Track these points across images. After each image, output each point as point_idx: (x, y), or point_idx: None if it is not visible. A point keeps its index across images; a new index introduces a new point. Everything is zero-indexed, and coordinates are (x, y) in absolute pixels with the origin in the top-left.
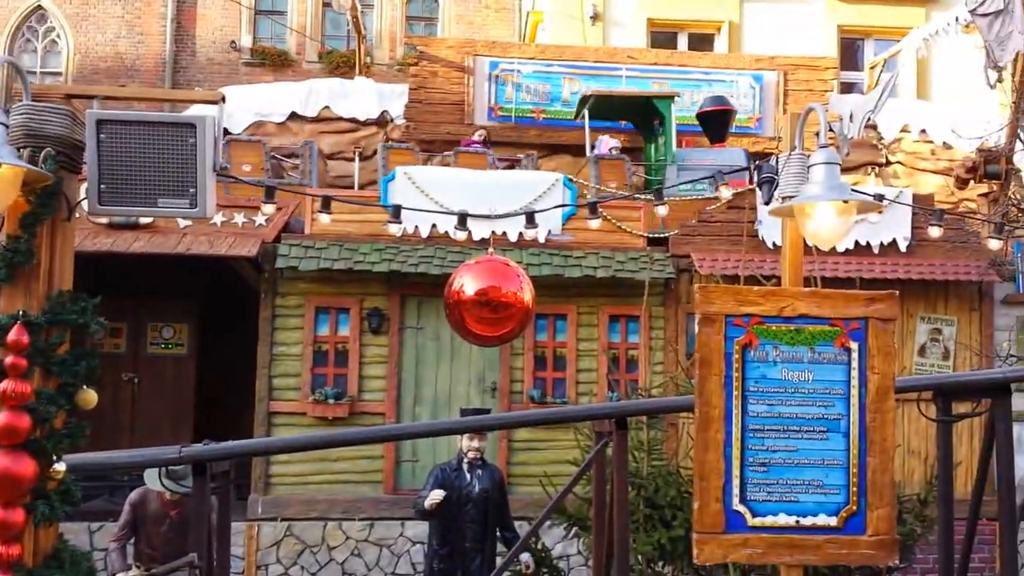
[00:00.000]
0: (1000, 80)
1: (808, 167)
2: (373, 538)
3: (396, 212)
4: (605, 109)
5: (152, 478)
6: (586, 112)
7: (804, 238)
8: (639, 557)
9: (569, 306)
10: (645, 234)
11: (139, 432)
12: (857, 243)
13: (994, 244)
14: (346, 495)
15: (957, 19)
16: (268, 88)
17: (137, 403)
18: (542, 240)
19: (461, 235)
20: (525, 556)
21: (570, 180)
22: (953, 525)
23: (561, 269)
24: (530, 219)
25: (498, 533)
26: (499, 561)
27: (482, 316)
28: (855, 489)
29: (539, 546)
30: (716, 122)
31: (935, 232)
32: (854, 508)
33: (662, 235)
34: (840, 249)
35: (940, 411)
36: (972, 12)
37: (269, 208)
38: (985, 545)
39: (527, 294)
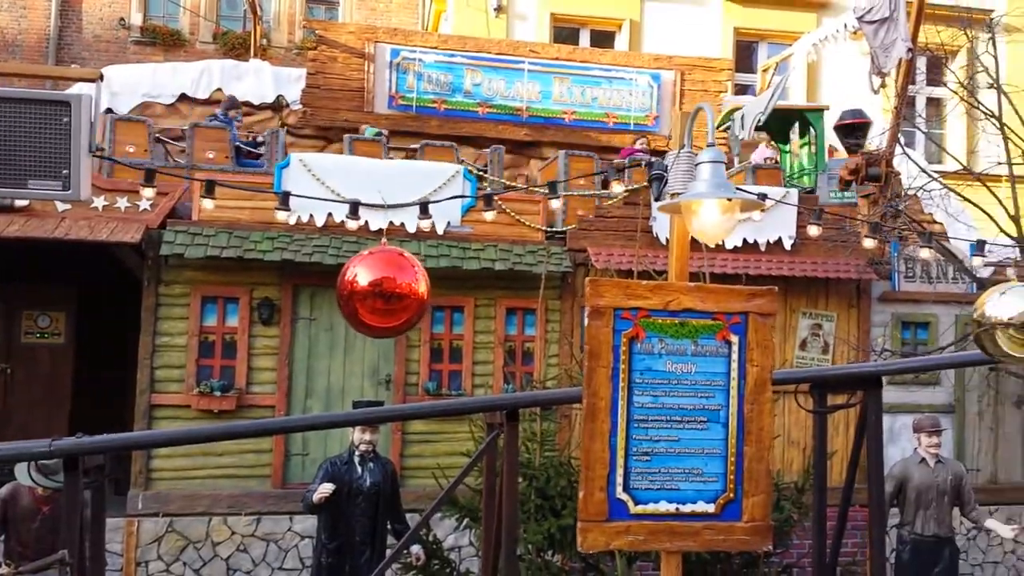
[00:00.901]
0: (884, 86)
1: (695, 165)
2: (260, 533)
3: (284, 199)
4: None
5: (22, 473)
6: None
7: (690, 234)
8: (529, 547)
9: (467, 298)
10: (544, 228)
11: (12, 425)
12: (745, 241)
13: (869, 243)
14: (232, 490)
15: (846, 25)
16: (157, 68)
17: (10, 394)
18: (441, 232)
19: (353, 224)
20: (415, 548)
21: (470, 172)
22: (826, 511)
23: (459, 261)
24: (424, 210)
25: (389, 526)
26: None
27: (376, 307)
28: (732, 477)
29: (430, 538)
30: (853, 133)
31: (814, 231)
32: (731, 495)
33: (560, 229)
34: (729, 246)
35: (816, 403)
36: (859, 19)
37: (149, 192)
38: (858, 531)
39: (422, 285)
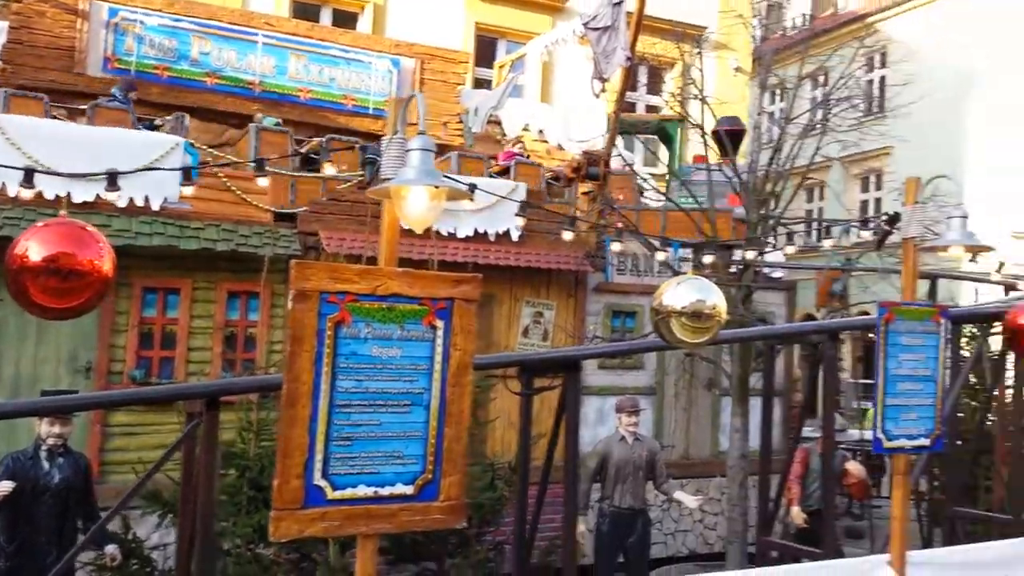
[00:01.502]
0: (604, 91)
1: (406, 152)
2: None
3: None
4: (627, 126)
5: None
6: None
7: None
8: (238, 540)
9: (183, 280)
10: (272, 208)
11: None
12: (476, 231)
13: (567, 236)
14: None
15: (575, 31)
16: None
17: None
18: (156, 207)
19: (30, 194)
20: (110, 548)
21: (191, 145)
22: (528, 488)
23: (176, 240)
24: (112, 182)
25: (82, 525)
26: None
27: (49, 286)
28: (432, 458)
29: (130, 536)
30: (729, 140)
31: (519, 222)
32: (429, 476)
33: (290, 211)
34: (460, 235)
35: (524, 386)
36: (585, 25)
37: None
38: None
39: (107, 263)
